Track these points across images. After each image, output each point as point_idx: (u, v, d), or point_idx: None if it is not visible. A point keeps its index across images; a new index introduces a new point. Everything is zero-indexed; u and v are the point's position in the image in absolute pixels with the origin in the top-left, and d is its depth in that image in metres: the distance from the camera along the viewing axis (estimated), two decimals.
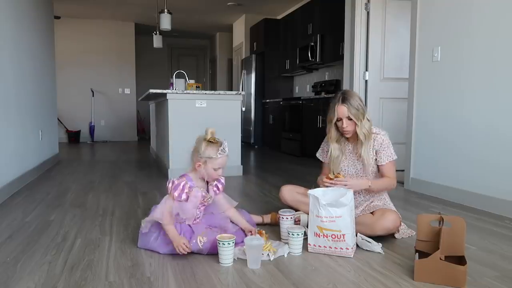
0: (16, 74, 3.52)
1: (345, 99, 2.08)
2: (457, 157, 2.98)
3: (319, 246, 1.82)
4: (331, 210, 1.78)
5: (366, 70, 4.32)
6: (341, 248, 1.79)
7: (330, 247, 1.80)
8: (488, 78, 2.74)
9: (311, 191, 1.86)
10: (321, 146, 2.35)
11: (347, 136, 2.16)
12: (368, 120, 2.12)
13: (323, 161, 2.34)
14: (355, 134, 2.12)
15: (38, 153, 4.27)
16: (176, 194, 1.82)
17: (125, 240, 2.04)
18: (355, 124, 2.08)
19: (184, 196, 1.83)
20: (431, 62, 3.24)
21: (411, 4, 3.48)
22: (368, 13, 4.26)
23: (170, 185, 1.85)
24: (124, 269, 1.67)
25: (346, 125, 2.09)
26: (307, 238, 1.87)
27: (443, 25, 3.13)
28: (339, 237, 1.78)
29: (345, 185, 2.00)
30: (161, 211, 1.82)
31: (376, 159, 2.15)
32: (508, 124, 2.59)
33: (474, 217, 2.54)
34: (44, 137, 4.56)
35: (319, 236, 1.81)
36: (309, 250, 1.84)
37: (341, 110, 2.08)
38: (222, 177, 2.00)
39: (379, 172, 2.18)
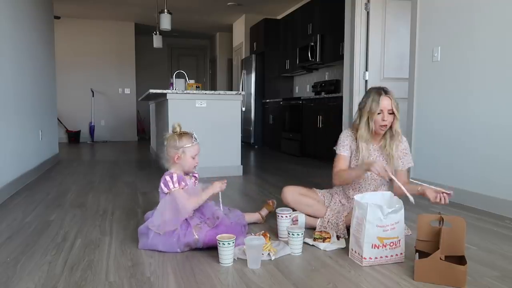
0: (16, 74, 3.52)
1: (387, 91, 2.06)
2: (457, 157, 2.98)
3: (376, 258, 1.68)
4: (393, 216, 1.67)
5: (366, 70, 4.32)
6: (396, 254, 1.71)
7: (386, 256, 1.69)
8: (488, 78, 2.74)
9: (358, 198, 1.75)
10: (340, 140, 2.21)
11: (382, 131, 2.09)
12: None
13: (344, 154, 2.19)
14: (380, 134, 2.10)
15: (38, 153, 4.27)
16: (183, 183, 1.91)
17: (125, 240, 2.04)
18: (395, 118, 2.05)
19: (185, 183, 1.93)
20: (431, 62, 3.24)
21: (411, 4, 3.48)
22: (368, 13, 4.26)
23: (170, 182, 1.90)
24: (124, 269, 1.67)
25: (387, 118, 2.04)
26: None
27: (443, 25, 3.13)
28: (396, 243, 1.69)
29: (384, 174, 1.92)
30: (184, 203, 1.86)
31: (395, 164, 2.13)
32: (508, 123, 2.58)
33: (475, 217, 2.54)
34: (44, 137, 4.56)
35: (378, 248, 1.67)
36: (363, 264, 1.67)
37: (387, 102, 2.04)
38: (196, 173, 2.09)
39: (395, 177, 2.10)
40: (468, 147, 2.89)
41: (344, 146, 2.20)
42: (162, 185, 1.91)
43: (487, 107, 2.74)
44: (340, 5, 4.69)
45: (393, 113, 2.04)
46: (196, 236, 1.83)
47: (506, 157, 2.60)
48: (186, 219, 1.90)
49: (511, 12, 2.58)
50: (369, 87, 4.28)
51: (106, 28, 8.87)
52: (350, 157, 2.20)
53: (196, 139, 1.99)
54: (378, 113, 2.04)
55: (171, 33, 8.25)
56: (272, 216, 2.37)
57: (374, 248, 1.67)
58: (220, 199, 1.99)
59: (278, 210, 2.09)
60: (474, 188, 2.83)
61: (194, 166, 2.02)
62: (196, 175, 2.09)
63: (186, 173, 2.03)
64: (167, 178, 1.90)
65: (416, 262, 1.56)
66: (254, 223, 2.31)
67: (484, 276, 1.60)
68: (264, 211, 2.36)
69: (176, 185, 1.89)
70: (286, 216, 2.06)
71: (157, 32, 6.85)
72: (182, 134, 1.99)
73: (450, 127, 3.05)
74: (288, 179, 3.82)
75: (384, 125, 2.06)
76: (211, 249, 1.81)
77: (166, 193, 1.90)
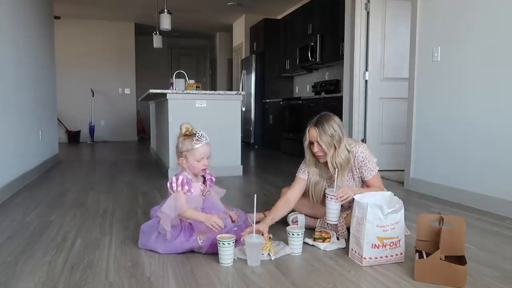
0: (16, 74, 3.52)
1: (318, 122, 1.98)
2: (457, 157, 2.98)
3: (375, 258, 1.68)
4: (393, 216, 1.67)
5: (366, 70, 4.32)
6: (396, 254, 1.70)
7: (386, 256, 1.69)
8: (488, 78, 2.74)
9: (358, 198, 1.74)
10: (301, 166, 2.20)
11: (321, 161, 2.05)
12: (348, 150, 2.01)
13: (302, 176, 2.16)
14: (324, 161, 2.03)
15: (38, 153, 4.27)
16: (186, 187, 1.84)
17: (125, 240, 2.04)
18: (326, 151, 1.97)
19: (188, 188, 1.86)
20: (431, 62, 3.24)
21: (411, 4, 3.48)
22: (368, 13, 4.26)
23: (174, 183, 1.85)
24: (124, 269, 1.67)
25: (317, 150, 2.00)
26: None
27: (443, 25, 3.13)
28: (396, 243, 1.69)
29: (341, 197, 1.92)
30: (177, 204, 1.81)
31: (360, 176, 2.10)
32: (508, 123, 2.58)
33: (475, 217, 2.54)
34: (44, 137, 4.56)
35: (378, 248, 1.67)
36: (363, 264, 1.67)
37: (312, 133, 2.00)
38: (213, 172, 2.01)
39: (366, 185, 2.12)
40: (468, 147, 2.89)
41: (303, 172, 2.17)
42: (168, 185, 1.88)
43: (487, 106, 2.74)
44: (340, 5, 4.69)
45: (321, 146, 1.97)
46: (200, 244, 1.80)
47: (506, 157, 2.60)
48: (190, 225, 1.87)
49: (511, 12, 2.58)
50: (369, 87, 4.32)
51: (106, 28, 8.87)
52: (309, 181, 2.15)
53: (200, 140, 1.86)
54: (311, 144, 2.03)
55: (171, 33, 8.26)
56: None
57: (374, 248, 1.67)
58: (258, 257, 1.74)
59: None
60: (474, 188, 2.83)
61: (203, 169, 1.93)
62: (212, 178, 1.99)
63: (197, 175, 1.96)
64: (173, 178, 1.87)
65: (416, 262, 1.56)
66: (257, 222, 2.30)
67: (484, 276, 1.60)
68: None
69: (179, 188, 1.84)
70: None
71: (157, 32, 6.85)
72: (187, 136, 1.88)
73: (450, 127, 3.05)
74: (288, 179, 3.81)
75: (317, 156, 2.03)
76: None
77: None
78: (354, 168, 2.08)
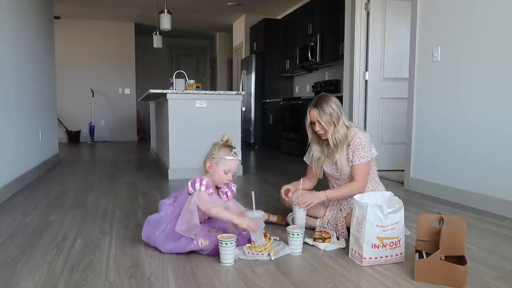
0: (16, 74, 3.52)
1: (317, 103, 2.11)
2: (457, 157, 2.98)
3: (375, 258, 1.68)
4: (393, 216, 1.67)
5: (366, 70, 4.32)
6: (396, 254, 1.70)
7: (386, 256, 1.69)
8: (488, 78, 2.74)
9: (358, 198, 1.76)
10: (308, 151, 2.35)
11: (323, 138, 2.17)
12: (346, 126, 2.13)
13: (307, 163, 2.36)
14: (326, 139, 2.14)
15: (38, 153, 4.27)
16: (211, 190, 1.83)
17: (125, 240, 2.04)
18: (327, 129, 2.10)
19: (212, 192, 1.85)
20: (431, 62, 3.24)
21: (411, 4, 3.48)
22: (368, 13, 4.26)
23: (197, 183, 1.82)
24: (124, 269, 1.67)
25: (319, 129, 2.13)
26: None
27: (443, 25, 3.13)
28: (396, 243, 1.69)
29: (304, 202, 2.05)
30: (201, 201, 1.78)
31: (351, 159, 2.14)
32: (508, 123, 2.58)
33: (475, 217, 2.54)
34: (44, 137, 4.56)
35: (378, 248, 1.67)
36: (363, 264, 1.67)
37: (312, 114, 2.13)
38: (234, 185, 2.02)
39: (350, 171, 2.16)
40: (468, 147, 2.89)
41: (308, 156, 2.34)
42: (189, 184, 1.85)
43: (487, 106, 2.74)
44: (340, 5, 4.69)
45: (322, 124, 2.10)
46: (201, 247, 1.79)
47: (506, 156, 2.60)
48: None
49: (511, 12, 2.58)
50: (369, 87, 4.32)
51: (106, 28, 8.87)
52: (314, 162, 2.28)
53: (237, 154, 1.90)
54: (312, 123, 2.15)
55: (171, 33, 8.25)
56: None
57: (374, 248, 1.67)
58: (260, 233, 1.84)
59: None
60: (474, 188, 2.83)
61: (226, 183, 1.94)
62: (230, 192, 1.99)
63: (217, 187, 1.96)
64: (197, 179, 1.84)
65: (416, 262, 1.56)
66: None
67: (484, 276, 1.60)
68: (273, 218, 2.33)
69: (203, 188, 1.82)
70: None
71: (157, 32, 6.85)
72: (224, 146, 1.91)
73: (450, 127, 3.05)
74: (288, 179, 3.81)
75: (319, 134, 2.15)
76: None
77: (190, 194, 1.83)
78: (349, 150, 2.13)
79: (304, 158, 2.38)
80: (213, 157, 1.90)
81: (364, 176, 2.12)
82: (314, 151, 2.25)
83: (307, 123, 2.19)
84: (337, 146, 2.12)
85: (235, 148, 1.92)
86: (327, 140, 2.15)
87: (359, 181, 2.10)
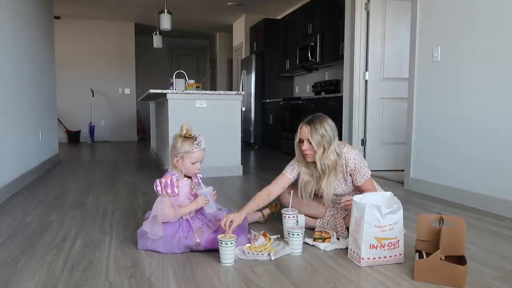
0: (16, 74, 3.52)
1: (311, 121, 2.00)
2: (457, 157, 2.98)
3: (374, 258, 1.68)
4: (391, 217, 1.66)
5: (366, 70, 4.32)
6: (395, 255, 1.70)
7: (385, 256, 1.68)
8: (488, 78, 2.74)
9: (357, 199, 1.74)
10: (289, 164, 2.20)
11: (308, 160, 2.05)
12: (337, 154, 2.00)
13: (288, 176, 2.15)
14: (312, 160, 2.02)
15: (38, 153, 4.27)
16: (169, 191, 1.83)
17: (125, 240, 2.04)
18: (316, 150, 1.97)
19: (176, 190, 1.85)
20: (431, 62, 3.24)
21: (411, 4, 3.48)
22: (368, 13, 4.26)
23: (158, 187, 1.85)
24: (124, 269, 1.67)
25: (306, 148, 2.00)
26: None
27: (443, 25, 3.13)
28: (394, 244, 1.68)
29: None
30: (163, 211, 1.83)
31: (351, 180, 2.09)
32: (508, 123, 2.58)
33: (475, 217, 2.54)
34: (44, 137, 4.56)
35: (376, 248, 1.67)
36: (361, 265, 1.67)
37: (303, 131, 2.02)
38: (200, 174, 2.02)
39: (358, 190, 2.11)
40: (468, 147, 2.89)
41: (291, 170, 2.17)
42: (154, 188, 1.88)
43: (487, 106, 2.74)
44: (340, 5, 4.69)
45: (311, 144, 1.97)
46: (198, 240, 1.82)
47: (506, 156, 2.60)
48: (188, 221, 1.89)
49: (511, 12, 2.58)
50: (369, 87, 4.33)
51: (106, 28, 8.87)
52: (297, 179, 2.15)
53: (199, 145, 1.89)
54: (301, 142, 2.03)
55: (171, 33, 8.26)
56: (273, 217, 2.37)
57: (372, 248, 1.67)
58: (213, 204, 1.91)
59: (283, 211, 2.06)
60: (474, 188, 2.82)
61: (195, 172, 1.96)
62: (200, 175, 2.01)
63: (187, 176, 1.98)
64: (157, 182, 1.86)
65: (416, 262, 1.56)
66: (256, 222, 2.31)
67: (484, 276, 1.60)
68: (267, 211, 2.36)
69: (164, 191, 1.83)
70: (291, 217, 2.03)
71: (157, 32, 6.85)
72: (186, 138, 1.90)
73: (450, 127, 3.05)
74: None
75: (305, 154, 2.02)
76: (211, 249, 1.81)
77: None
78: (345, 174, 2.07)
79: (285, 172, 2.17)
80: (177, 153, 1.89)
81: (373, 185, 2.11)
82: (303, 174, 2.10)
83: (296, 140, 2.06)
84: (324, 173, 2.01)
85: (197, 137, 1.90)
86: (314, 162, 2.03)
87: (374, 191, 2.06)
